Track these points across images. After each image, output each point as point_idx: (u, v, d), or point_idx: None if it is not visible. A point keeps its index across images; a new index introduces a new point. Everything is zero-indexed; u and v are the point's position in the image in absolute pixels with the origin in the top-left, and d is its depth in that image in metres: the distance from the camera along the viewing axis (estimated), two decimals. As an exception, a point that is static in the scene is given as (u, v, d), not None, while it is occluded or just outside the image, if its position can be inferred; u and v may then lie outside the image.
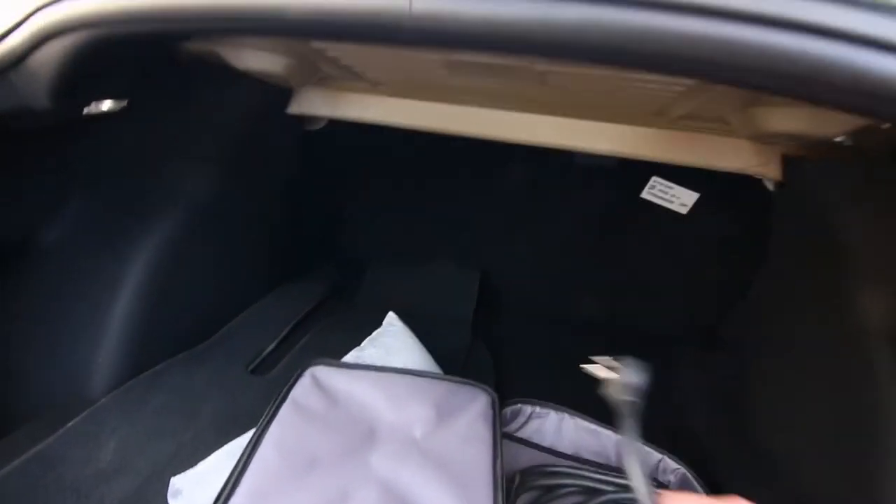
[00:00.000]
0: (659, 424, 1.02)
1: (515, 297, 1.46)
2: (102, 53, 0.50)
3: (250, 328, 1.13)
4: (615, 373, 0.66)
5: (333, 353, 0.98)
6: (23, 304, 0.84)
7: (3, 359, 0.81)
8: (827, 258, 0.77)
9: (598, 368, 0.70)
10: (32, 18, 0.48)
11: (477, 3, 0.32)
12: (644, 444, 0.80)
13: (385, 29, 0.33)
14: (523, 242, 1.44)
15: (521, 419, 0.85)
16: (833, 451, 0.71)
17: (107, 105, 0.68)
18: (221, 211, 1.02)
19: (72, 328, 0.84)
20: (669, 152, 0.97)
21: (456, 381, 0.79)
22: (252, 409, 0.86)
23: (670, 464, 0.78)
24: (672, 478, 0.78)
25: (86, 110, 0.66)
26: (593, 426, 0.84)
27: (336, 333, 1.14)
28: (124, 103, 0.70)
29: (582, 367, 0.70)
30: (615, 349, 1.29)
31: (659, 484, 0.78)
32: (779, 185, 0.94)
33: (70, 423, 0.76)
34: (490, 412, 0.74)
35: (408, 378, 0.79)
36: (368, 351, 0.86)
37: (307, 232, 1.48)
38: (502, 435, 0.77)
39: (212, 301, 1.09)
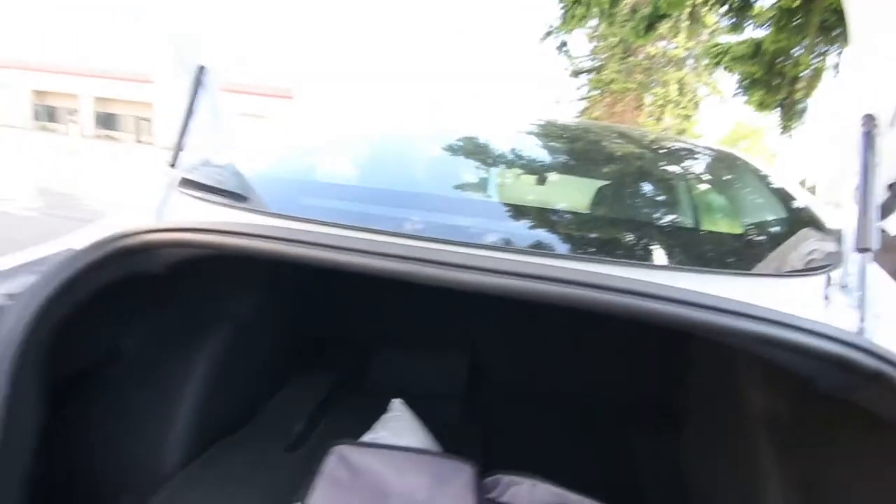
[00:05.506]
0: (620, 483, 1.22)
1: (501, 376, 1.70)
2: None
3: (280, 413, 1.36)
4: None
5: (350, 432, 1.20)
6: (112, 399, 1.07)
7: (100, 442, 1.04)
8: (726, 358, 1.02)
9: None
10: (158, 234, 0.77)
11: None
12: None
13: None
14: (508, 332, 1.70)
15: (501, 487, 1.07)
16: None
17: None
18: (258, 323, 1.29)
19: (149, 416, 1.08)
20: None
21: (447, 457, 1.02)
22: (290, 483, 1.08)
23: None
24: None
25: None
26: (561, 491, 1.05)
27: (351, 415, 1.37)
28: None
29: None
30: (588, 428, 1.51)
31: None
32: None
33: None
34: (473, 482, 0.96)
35: (412, 454, 1.02)
36: (381, 433, 1.09)
37: (321, 326, 1.74)
38: (485, 500, 1.00)
39: (248, 392, 1.33)
